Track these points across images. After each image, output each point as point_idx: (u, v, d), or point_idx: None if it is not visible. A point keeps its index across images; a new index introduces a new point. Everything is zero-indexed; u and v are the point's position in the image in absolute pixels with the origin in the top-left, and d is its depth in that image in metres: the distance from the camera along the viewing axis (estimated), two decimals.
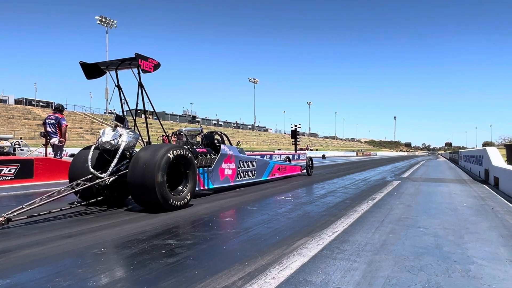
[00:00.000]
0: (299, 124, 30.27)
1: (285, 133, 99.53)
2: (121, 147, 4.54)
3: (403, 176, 12.48)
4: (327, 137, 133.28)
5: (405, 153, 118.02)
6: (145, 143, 5.48)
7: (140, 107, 5.40)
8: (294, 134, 30.14)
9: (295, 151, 30.05)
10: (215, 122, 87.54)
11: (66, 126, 9.48)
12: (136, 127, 5.48)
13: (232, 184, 7.38)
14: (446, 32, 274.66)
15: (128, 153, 4.91)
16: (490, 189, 8.45)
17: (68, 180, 5.27)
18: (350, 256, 3.21)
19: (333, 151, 70.06)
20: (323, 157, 35.07)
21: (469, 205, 6.05)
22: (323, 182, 10.06)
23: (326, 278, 2.72)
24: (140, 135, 5.22)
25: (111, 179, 4.39)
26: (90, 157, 4.53)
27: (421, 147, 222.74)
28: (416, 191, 8.05)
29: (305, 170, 12.65)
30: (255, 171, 8.50)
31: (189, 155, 4.89)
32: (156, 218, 4.46)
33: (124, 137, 4.63)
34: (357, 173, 14.20)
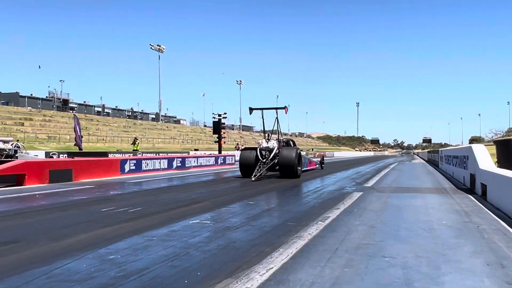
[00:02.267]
0: (225, 114, 30.32)
1: (205, 126, 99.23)
2: (275, 150, 14.77)
3: (367, 186, 13.11)
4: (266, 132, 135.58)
5: (372, 153, 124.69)
6: (281, 146, 16.04)
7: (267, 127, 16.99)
8: (218, 127, 30.17)
9: (219, 152, 30.10)
10: (99, 109, 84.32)
11: None
12: (278, 140, 16.38)
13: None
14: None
15: (275, 151, 15.43)
16: (476, 201, 9.21)
17: None
18: None
19: None
20: None
21: (450, 223, 6.54)
22: (258, 196, 10.23)
23: None
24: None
25: (270, 164, 15.10)
26: (259, 152, 15.22)
27: (393, 144, 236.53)
28: (383, 206, 8.51)
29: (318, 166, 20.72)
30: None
31: (302, 152, 16.35)
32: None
33: (276, 144, 15.18)
34: (305, 182, 14.62)
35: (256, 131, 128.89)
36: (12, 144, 17.01)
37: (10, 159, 14.29)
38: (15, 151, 16.27)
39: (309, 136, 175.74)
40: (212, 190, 11.75)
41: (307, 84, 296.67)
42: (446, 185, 13.50)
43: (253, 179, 14.23)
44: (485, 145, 12.33)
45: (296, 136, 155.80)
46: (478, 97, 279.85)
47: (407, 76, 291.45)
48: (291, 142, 18.38)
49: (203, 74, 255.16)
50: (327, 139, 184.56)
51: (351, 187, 12.56)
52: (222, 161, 27.23)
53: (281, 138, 17.35)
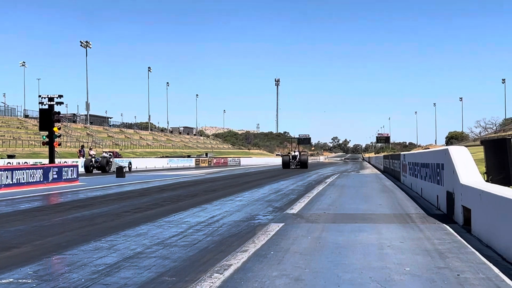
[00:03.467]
0: (61, 96, 29.50)
1: (27, 117, 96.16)
2: (298, 156, 60.30)
3: (291, 212, 13.35)
4: (130, 126, 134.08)
5: None
6: (300, 154, 65.68)
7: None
8: (49, 119, 29.33)
9: (52, 160, 29.26)
10: None
11: None
12: (299, 151, 65.03)
13: None
14: None
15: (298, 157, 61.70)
16: (455, 234, 9.61)
17: None
18: None
19: (144, 158, 70.78)
20: (119, 172, 35.36)
21: (416, 271, 6.75)
22: (116, 234, 10.08)
23: None
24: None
25: (296, 162, 60.90)
26: (291, 157, 61.14)
27: (331, 145, 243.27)
28: (315, 244, 8.67)
29: None
30: None
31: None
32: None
33: (298, 153, 61.99)
34: (192, 208, 14.66)
35: (115, 125, 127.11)
36: (108, 153, 47.98)
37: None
38: (109, 159, 46.57)
39: (201, 133, 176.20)
40: (38, 226, 11.43)
41: (197, 53, 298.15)
42: (411, 209, 14.03)
43: (293, 167, 56.44)
44: (469, 147, 12.81)
45: (179, 133, 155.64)
46: (459, 73, 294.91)
47: (350, 48, 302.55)
48: (301, 152, 65.02)
49: (22, 30, 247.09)
50: (229, 137, 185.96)
51: (266, 215, 12.72)
52: (56, 176, 26.42)
53: (300, 150, 64.74)
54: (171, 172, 46.09)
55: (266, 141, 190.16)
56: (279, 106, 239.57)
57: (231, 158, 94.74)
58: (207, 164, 78.40)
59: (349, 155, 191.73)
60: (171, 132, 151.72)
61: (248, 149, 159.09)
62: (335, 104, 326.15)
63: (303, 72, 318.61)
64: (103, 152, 48.70)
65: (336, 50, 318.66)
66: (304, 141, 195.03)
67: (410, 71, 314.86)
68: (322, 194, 19.06)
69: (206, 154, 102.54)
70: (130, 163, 53.79)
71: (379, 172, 43.80)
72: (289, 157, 59.68)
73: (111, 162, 47.40)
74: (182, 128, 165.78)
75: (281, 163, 59.38)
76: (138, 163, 59.57)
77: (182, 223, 11.60)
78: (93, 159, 45.95)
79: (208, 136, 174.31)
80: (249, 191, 21.19)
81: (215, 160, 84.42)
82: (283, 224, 11.06)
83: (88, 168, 45.17)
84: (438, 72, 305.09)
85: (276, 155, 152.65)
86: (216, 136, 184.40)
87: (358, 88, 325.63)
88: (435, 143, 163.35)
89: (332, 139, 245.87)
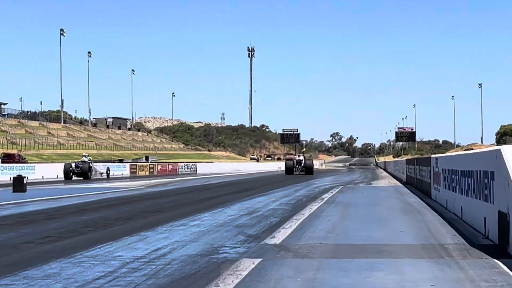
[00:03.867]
0: None
1: None
2: (303, 160, 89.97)
3: (271, 243, 13.38)
4: (34, 116, 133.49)
5: (282, 165, 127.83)
6: (299, 155, 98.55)
7: None
8: None
9: None
10: None
11: None
12: (303, 154, 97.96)
13: None
14: None
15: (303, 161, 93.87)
16: (511, 272, 9.60)
17: None
18: None
19: (54, 163, 71.11)
20: (17, 184, 35.49)
21: None
22: (14, 274, 9.92)
23: None
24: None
25: (300, 168, 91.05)
26: (295, 162, 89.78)
27: (330, 143, 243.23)
28: None
29: None
30: None
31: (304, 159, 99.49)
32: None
33: (303, 157, 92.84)
34: (127, 237, 14.66)
35: (11, 115, 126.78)
36: (87, 157, 64.83)
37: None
38: (90, 164, 64.84)
39: (139, 127, 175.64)
40: None
41: (134, 11, 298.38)
42: (447, 237, 14.07)
43: (297, 173, 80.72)
44: None
45: (107, 126, 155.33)
46: None
47: (356, 8, 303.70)
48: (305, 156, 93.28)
49: None
50: (181, 133, 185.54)
51: (236, 247, 12.73)
52: None
53: (305, 155, 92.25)
54: (94, 184, 46.01)
55: (235, 139, 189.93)
56: (255, 88, 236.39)
57: (183, 164, 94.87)
58: (147, 173, 78.64)
59: (356, 158, 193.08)
60: (95, 125, 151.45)
61: (209, 150, 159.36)
62: (336, 88, 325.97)
63: (288, 42, 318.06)
64: (83, 156, 62.56)
65: (338, 11, 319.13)
66: (290, 138, 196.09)
67: (442, 39, 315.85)
68: (318, 216, 19.11)
69: (147, 158, 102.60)
70: (108, 169, 62.91)
71: (399, 184, 43.99)
72: (293, 162, 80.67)
73: (92, 167, 59.86)
74: (111, 120, 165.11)
75: (260, 170, 69.84)
76: (45, 171, 59.29)
77: (111, 258, 11.45)
78: (73, 164, 53.46)
79: (149, 131, 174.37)
80: (210, 212, 21.23)
81: (159, 167, 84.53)
82: (261, 260, 10.95)
83: (67, 175, 52.55)
84: (484, 40, 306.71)
85: (251, 158, 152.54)
86: (162, 131, 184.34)
87: (369, 65, 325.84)
88: (481, 142, 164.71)
89: (331, 136, 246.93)
